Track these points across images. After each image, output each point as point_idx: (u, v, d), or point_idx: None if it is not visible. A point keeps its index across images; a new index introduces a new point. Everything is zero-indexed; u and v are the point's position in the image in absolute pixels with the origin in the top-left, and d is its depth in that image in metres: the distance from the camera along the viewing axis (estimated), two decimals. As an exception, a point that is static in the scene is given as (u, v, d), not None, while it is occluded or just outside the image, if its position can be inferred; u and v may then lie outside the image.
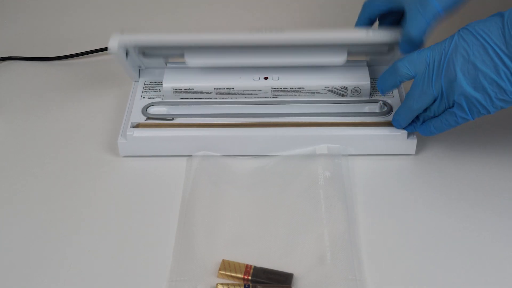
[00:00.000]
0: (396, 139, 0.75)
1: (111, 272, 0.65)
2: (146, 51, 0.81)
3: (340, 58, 0.78)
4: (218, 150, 0.77)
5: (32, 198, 0.73)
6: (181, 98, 0.81)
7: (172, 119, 0.78)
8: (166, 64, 0.83)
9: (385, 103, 0.79)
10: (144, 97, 0.82)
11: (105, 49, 0.95)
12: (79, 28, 1.02)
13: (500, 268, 0.64)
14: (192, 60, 0.79)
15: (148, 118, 0.79)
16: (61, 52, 0.95)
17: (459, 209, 0.70)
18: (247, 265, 0.64)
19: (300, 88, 0.80)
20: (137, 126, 0.78)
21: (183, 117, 0.78)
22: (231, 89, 0.80)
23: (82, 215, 0.71)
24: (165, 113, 0.80)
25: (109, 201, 0.72)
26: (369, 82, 0.79)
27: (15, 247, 0.68)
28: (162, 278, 0.64)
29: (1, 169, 0.77)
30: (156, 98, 0.81)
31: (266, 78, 0.81)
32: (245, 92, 0.80)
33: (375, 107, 0.79)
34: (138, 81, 0.84)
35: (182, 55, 0.79)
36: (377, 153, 0.76)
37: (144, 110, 0.79)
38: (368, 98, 0.80)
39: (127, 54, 0.79)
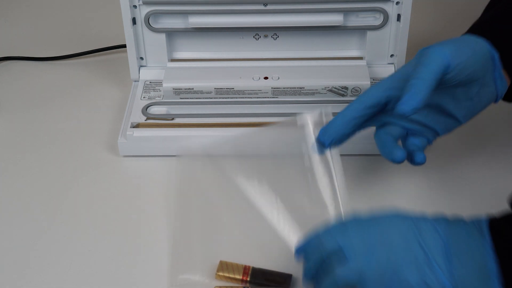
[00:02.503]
0: (396, 139, 0.75)
1: (111, 271, 0.65)
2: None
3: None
4: (217, 150, 0.76)
5: (32, 197, 0.73)
6: (181, 98, 0.81)
7: (172, 119, 0.78)
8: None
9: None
10: (144, 97, 0.82)
11: (105, 49, 0.95)
12: (79, 28, 1.02)
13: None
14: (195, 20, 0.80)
15: (148, 118, 0.79)
16: (61, 52, 0.95)
17: (459, 209, 0.70)
18: (245, 266, 0.64)
19: (300, 88, 0.80)
20: (137, 126, 0.78)
21: (183, 117, 0.78)
22: (231, 89, 0.80)
23: (82, 215, 0.71)
24: (165, 113, 0.80)
25: (109, 201, 0.72)
26: (369, 82, 0.79)
27: (15, 247, 0.67)
28: (162, 277, 0.64)
29: (0, 168, 0.77)
30: (156, 98, 0.82)
31: (266, 78, 0.81)
32: (245, 92, 0.80)
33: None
34: (138, 81, 0.85)
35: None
36: (377, 153, 0.76)
37: (144, 110, 0.79)
38: (368, 98, 0.80)
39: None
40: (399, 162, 0.66)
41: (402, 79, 0.64)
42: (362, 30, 0.82)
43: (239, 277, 0.63)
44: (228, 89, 0.80)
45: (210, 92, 0.81)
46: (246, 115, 0.78)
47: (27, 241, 0.68)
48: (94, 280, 0.64)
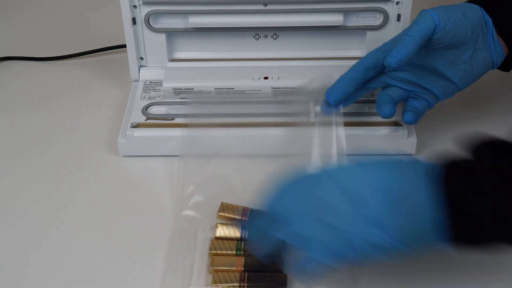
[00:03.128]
0: (396, 139, 0.76)
1: (111, 271, 0.65)
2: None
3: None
4: (217, 150, 0.76)
5: (32, 197, 0.73)
6: (181, 98, 0.81)
7: (172, 119, 0.78)
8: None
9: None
10: (144, 97, 0.82)
11: (105, 49, 0.95)
12: (79, 28, 1.02)
13: (500, 270, 0.64)
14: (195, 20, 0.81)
15: (148, 118, 0.79)
16: (61, 52, 0.95)
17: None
18: (244, 207, 0.68)
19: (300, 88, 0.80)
20: (137, 126, 0.78)
21: (183, 117, 0.78)
22: (231, 89, 0.80)
23: (82, 215, 0.71)
24: (165, 113, 0.80)
25: (109, 201, 0.72)
26: (369, 82, 0.79)
27: (15, 247, 0.67)
28: (161, 277, 0.64)
29: (0, 168, 0.77)
30: (156, 98, 0.82)
31: (266, 78, 0.81)
32: (245, 92, 0.80)
33: (375, 107, 0.79)
34: (138, 81, 0.85)
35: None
36: (377, 153, 0.76)
37: (144, 110, 0.79)
38: (368, 98, 0.80)
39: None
40: (386, 117, 0.72)
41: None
42: (362, 30, 0.82)
43: (238, 217, 0.67)
44: (228, 89, 0.80)
45: (210, 92, 0.80)
46: (246, 115, 0.78)
47: (27, 241, 0.68)
48: (94, 280, 0.64)
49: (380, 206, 0.53)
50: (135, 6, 0.80)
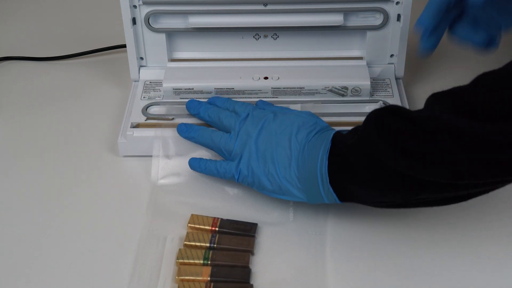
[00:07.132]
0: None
1: (111, 271, 0.65)
2: None
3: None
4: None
5: (31, 197, 0.73)
6: (181, 98, 0.81)
7: (172, 119, 0.78)
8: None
9: (385, 103, 0.79)
10: (144, 97, 0.82)
11: (105, 49, 0.95)
12: (79, 28, 1.02)
13: (500, 271, 0.64)
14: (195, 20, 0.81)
15: (148, 118, 0.79)
16: (61, 52, 0.95)
17: (458, 208, 0.70)
18: (214, 218, 0.68)
19: (300, 88, 0.80)
20: (137, 126, 0.78)
21: (183, 117, 0.78)
22: (231, 89, 0.80)
23: (82, 215, 0.71)
24: (165, 113, 0.80)
25: (109, 201, 0.72)
26: (369, 82, 0.79)
27: (15, 247, 0.68)
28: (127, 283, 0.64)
29: (0, 169, 0.77)
30: (156, 98, 0.82)
31: (266, 78, 0.81)
32: (245, 92, 0.80)
33: (375, 107, 0.79)
34: (138, 81, 0.85)
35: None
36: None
37: (144, 110, 0.80)
38: (368, 98, 0.80)
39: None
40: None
41: None
42: (362, 30, 0.83)
43: (208, 227, 0.67)
44: (228, 89, 0.80)
45: (210, 92, 0.81)
46: (246, 115, 0.78)
47: (27, 241, 0.68)
48: (94, 280, 0.64)
49: (295, 164, 0.65)
50: (135, 6, 0.80)
